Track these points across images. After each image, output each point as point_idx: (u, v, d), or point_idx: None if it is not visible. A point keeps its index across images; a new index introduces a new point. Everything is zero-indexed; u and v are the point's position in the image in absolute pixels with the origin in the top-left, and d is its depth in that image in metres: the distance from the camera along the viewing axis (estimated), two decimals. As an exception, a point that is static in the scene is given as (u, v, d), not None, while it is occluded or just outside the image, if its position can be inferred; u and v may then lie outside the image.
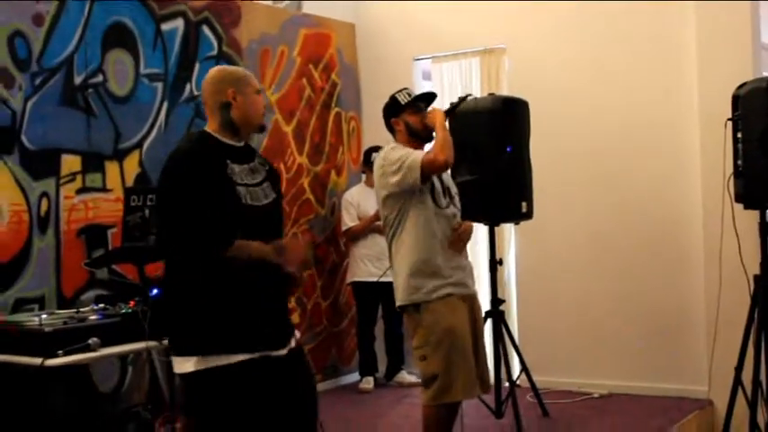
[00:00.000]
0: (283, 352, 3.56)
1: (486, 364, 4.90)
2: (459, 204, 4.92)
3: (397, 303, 4.74)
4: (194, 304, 3.43)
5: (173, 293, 3.52)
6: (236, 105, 3.59)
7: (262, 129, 3.78)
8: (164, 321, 3.74)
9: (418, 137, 4.81)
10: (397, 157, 4.62)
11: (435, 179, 4.74)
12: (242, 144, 3.70)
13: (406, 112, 4.79)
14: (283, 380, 3.54)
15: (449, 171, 4.97)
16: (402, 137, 4.82)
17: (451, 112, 4.97)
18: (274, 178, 3.78)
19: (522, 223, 6.27)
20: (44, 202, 5.45)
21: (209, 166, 3.47)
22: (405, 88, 4.93)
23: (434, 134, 4.71)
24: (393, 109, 4.84)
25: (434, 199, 4.71)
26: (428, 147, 4.82)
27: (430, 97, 4.93)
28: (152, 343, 4.75)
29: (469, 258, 7.24)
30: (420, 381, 7.18)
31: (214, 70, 3.73)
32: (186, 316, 3.46)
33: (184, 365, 3.45)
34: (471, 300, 4.85)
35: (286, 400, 3.56)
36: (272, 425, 3.53)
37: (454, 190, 4.95)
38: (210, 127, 3.64)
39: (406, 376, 7.46)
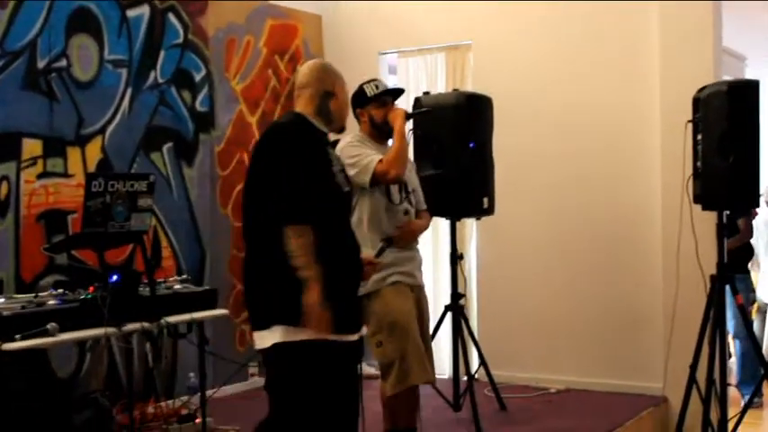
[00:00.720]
0: (355, 337, 3.81)
1: (431, 353, 4.90)
2: (416, 199, 4.93)
3: None
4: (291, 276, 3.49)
5: (270, 265, 3.57)
6: (337, 98, 3.85)
7: (343, 129, 4.00)
8: (249, 294, 3.76)
9: (381, 131, 4.80)
10: (354, 153, 4.61)
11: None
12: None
13: (372, 105, 4.78)
14: (352, 365, 3.83)
15: (412, 167, 4.99)
16: (365, 128, 4.83)
17: (411, 117, 4.98)
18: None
19: (484, 219, 6.27)
20: (4, 186, 5.41)
21: (317, 141, 3.76)
22: (374, 80, 4.91)
23: (392, 138, 4.73)
24: (359, 99, 4.82)
25: (388, 194, 4.72)
26: (390, 143, 4.82)
27: (397, 93, 4.92)
28: (111, 329, 4.71)
29: (430, 253, 7.40)
30: (375, 373, 7.28)
31: (319, 61, 4.08)
32: (282, 286, 3.52)
33: (268, 339, 3.58)
34: (418, 291, 4.87)
35: (350, 386, 3.83)
36: (339, 408, 3.73)
37: (413, 185, 4.94)
38: (304, 110, 3.81)
39: (365, 368, 7.41)
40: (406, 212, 4.82)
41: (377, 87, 4.81)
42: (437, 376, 6.61)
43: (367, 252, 4.40)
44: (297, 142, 3.61)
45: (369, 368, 7.36)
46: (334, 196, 3.73)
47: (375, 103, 4.78)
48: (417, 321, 4.75)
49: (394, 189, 4.74)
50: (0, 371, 4.45)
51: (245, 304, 3.82)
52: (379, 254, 4.51)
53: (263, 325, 3.60)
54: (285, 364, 3.58)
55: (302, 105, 3.83)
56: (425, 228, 5.05)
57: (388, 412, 4.80)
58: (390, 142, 4.82)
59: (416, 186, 4.98)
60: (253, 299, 3.71)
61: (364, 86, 4.83)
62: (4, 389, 4.50)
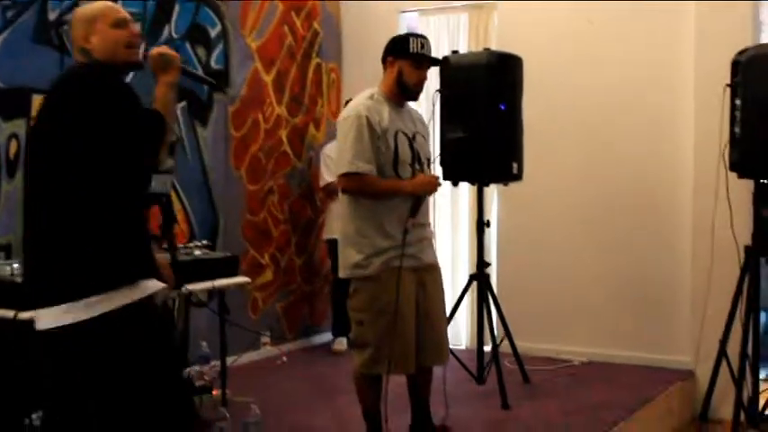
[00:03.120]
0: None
1: (441, 335, 4.58)
2: (431, 170, 4.61)
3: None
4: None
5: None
6: (94, 49, 3.22)
7: (136, 64, 3.32)
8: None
9: (405, 90, 4.43)
10: (340, 136, 4.35)
11: (404, 144, 4.36)
12: None
13: (407, 61, 4.38)
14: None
15: (426, 134, 4.62)
16: (388, 81, 4.42)
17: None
18: None
19: (507, 186, 6.01)
20: (13, 144, 5.13)
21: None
22: (422, 36, 4.51)
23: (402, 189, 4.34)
24: (397, 48, 4.42)
25: (396, 168, 4.35)
26: (412, 104, 4.55)
27: (436, 63, 4.57)
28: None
29: (449, 220, 7.15)
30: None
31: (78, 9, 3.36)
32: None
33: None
34: (424, 271, 4.49)
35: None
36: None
37: (428, 154, 4.59)
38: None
39: (337, 344, 7.23)
40: None
41: (422, 47, 4.42)
42: (455, 347, 6.47)
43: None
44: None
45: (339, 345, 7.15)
46: None
47: (411, 61, 4.39)
48: (422, 305, 4.43)
49: (403, 164, 4.36)
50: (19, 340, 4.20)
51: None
52: (414, 211, 4.29)
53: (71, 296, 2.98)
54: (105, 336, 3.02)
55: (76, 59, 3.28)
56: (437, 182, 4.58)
57: (357, 386, 4.52)
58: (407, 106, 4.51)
59: (430, 156, 4.63)
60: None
61: (410, 38, 4.44)
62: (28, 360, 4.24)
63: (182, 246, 5.27)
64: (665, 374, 6.22)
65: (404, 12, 7.51)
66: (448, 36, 7.29)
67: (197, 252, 5.27)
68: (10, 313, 4.02)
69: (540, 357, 6.56)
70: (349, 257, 4.36)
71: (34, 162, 3.13)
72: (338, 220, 4.51)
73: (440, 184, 4.52)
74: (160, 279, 3.18)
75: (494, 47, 6.77)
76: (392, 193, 4.31)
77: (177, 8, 6.19)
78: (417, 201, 4.37)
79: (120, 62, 3.20)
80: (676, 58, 6.42)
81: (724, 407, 5.82)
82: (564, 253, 6.78)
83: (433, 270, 4.57)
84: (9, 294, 4.14)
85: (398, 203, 4.33)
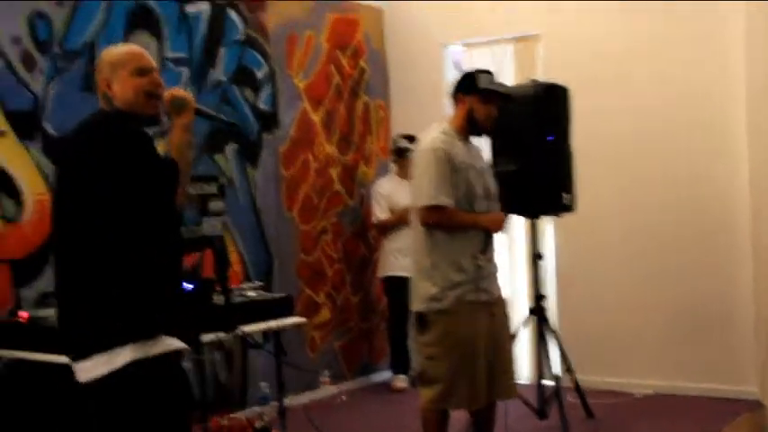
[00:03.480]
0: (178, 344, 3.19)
1: (511, 369, 4.52)
2: (496, 203, 4.53)
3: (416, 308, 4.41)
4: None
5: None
6: (115, 96, 3.13)
7: (154, 119, 3.19)
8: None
9: (474, 126, 4.41)
10: (418, 170, 4.34)
11: (476, 181, 4.34)
12: None
13: (477, 97, 4.36)
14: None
15: (490, 170, 4.59)
16: (459, 117, 4.41)
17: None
18: None
19: (561, 217, 5.92)
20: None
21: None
22: (491, 73, 4.48)
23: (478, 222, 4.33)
24: (467, 85, 4.41)
25: (471, 203, 4.32)
26: (475, 140, 4.50)
27: (505, 97, 4.53)
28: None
29: (505, 254, 7.07)
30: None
31: (103, 52, 3.20)
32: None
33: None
34: (494, 306, 4.44)
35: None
36: None
37: (494, 189, 4.53)
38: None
39: (398, 382, 7.14)
40: None
41: (491, 83, 4.41)
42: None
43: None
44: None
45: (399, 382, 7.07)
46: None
47: (481, 97, 4.36)
48: (491, 339, 4.35)
49: (479, 198, 4.34)
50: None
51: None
52: (486, 246, 4.31)
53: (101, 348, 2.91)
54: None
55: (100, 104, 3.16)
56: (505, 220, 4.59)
57: (423, 422, 4.43)
58: (475, 140, 4.47)
59: (496, 191, 4.56)
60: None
61: (479, 74, 4.42)
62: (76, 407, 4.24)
63: (236, 288, 5.24)
64: (732, 405, 6.05)
65: (447, 46, 7.48)
66: (493, 69, 7.19)
67: (251, 293, 5.23)
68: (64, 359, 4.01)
69: (600, 390, 6.41)
70: (424, 290, 4.32)
71: (61, 207, 3.05)
72: (413, 254, 4.46)
73: (507, 222, 4.52)
74: (182, 335, 3.08)
75: (539, 78, 6.72)
76: (471, 226, 4.31)
77: (223, 51, 6.21)
78: (489, 236, 4.37)
79: (139, 111, 3.07)
80: (724, 75, 6.31)
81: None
82: (621, 283, 6.66)
83: (501, 304, 4.54)
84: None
85: (471, 238, 4.32)
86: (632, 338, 6.60)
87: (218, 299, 4.66)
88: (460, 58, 7.48)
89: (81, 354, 2.92)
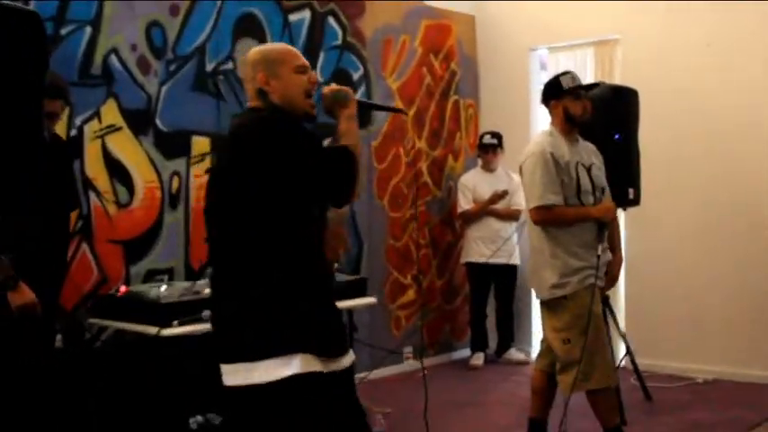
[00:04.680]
0: (346, 362, 3.06)
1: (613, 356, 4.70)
2: (604, 194, 4.67)
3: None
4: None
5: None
6: (273, 92, 3.01)
7: (309, 116, 3.04)
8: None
9: (574, 124, 4.59)
10: (529, 172, 4.49)
11: (584, 174, 4.52)
12: None
13: (568, 98, 4.56)
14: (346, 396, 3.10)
15: (600, 165, 4.73)
16: (558, 120, 4.59)
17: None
18: None
19: (634, 211, 6.06)
20: (175, 180, 5.58)
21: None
22: (569, 72, 4.69)
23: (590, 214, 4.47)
24: (554, 91, 4.61)
25: (579, 197, 4.48)
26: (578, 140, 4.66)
27: (590, 87, 4.69)
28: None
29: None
30: (525, 359, 7.21)
31: (252, 51, 3.06)
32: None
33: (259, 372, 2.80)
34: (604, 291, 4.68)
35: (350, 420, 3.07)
36: None
37: (604, 183, 4.68)
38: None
39: (514, 354, 7.38)
40: None
41: (573, 80, 4.60)
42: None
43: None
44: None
45: (518, 354, 7.33)
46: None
47: (571, 95, 4.56)
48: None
49: (585, 193, 4.50)
50: (160, 353, 4.58)
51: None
52: (602, 235, 4.47)
53: (252, 357, 2.78)
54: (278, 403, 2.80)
55: (250, 100, 3.06)
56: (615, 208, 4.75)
57: (594, 407, 4.54)
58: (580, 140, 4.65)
59: (605, 185, 4.71)
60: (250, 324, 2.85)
61: (560, 78, 4.61)
62: (164, 371, 4.61)
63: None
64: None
65: (533, 49, 7.67)
66: (576, 71, 7.30)
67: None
68: (153, 330, 4.41)
69: (663, 374, 6.57)
70: (545, 279, 4.49)
71: (214, 204, 2.93)
72: (531, 249, 4.64)
73: (616, 211, 4.67)
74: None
75: (618, 80, 6.87)
76: (581, 219, 4.46)
77: (322, 55, 6.56)
78: (603, 226, 4.52)
79: (298, 109, 2.96)
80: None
81: None
82: (687, 274, 6.75)
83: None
84: (153, 313, 4.49)
85: (585, 229, 4.47)
86: (695, 326, 6.69)
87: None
88: (545, 61, 7.66)
89: (254, 355, 2.77)
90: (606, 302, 5.79)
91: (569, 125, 4.58)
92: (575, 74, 4.68)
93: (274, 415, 2.79)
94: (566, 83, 4.58)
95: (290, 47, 3.10)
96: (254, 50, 3.06)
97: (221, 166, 2.97)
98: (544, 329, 4.64)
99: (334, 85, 3.09)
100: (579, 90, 4.59)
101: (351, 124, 3.02)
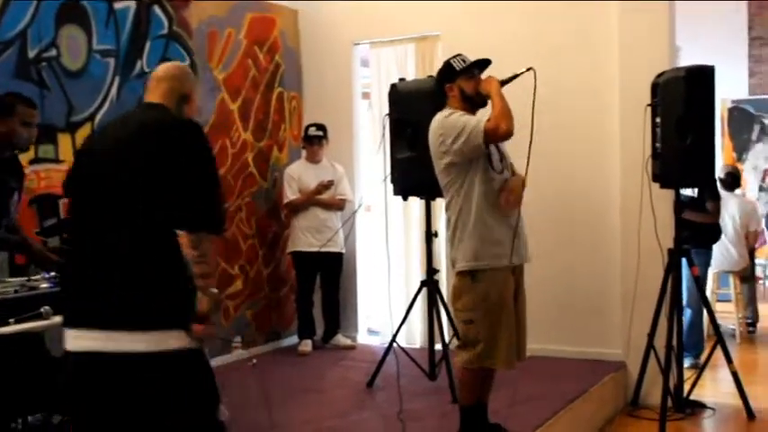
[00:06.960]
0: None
1: (524, 333, 4.53)
2: (510, 169, 4.51)
3: (457, 268, 4.34)
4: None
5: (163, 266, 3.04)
6: (191, 105, 3.31)
7: None
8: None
9: (472, 102, 4.41)
10: (458, 123, 4.23)
11: (494, 150, 4.37)
12: None
13: (461, 78, 4.39)
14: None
15: None
16: (455, 102, 4.40)
17: (507, 83, 4.44)
18: None
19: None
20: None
21: None
22: (459, 54, 4.50)
23: (490, 101, 4.30)
24: (447, 74, 4.44)
25: (491, 165, 4.33)
26: (480, 113, 4.40)
27: (484, 64, 4.51)
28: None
29: (402, 231, 7.11)
30: (351, 344, 7.03)
31: (183, 64, 3.58)
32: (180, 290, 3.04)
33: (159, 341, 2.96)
34: (519, 271, 4.46)
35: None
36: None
37: (508, 156, 4.55)
38: (164, 103, 3.25)
39: (341, 339, 7.16)
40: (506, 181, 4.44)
41: (464, 61, 4.44)
42: (409, 347, 6.44)
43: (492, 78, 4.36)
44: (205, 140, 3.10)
45: (344, 339, 7.13)
46: None
47: (464, 76, 4.40)
48: (514, 303, 4.38)
49: (496, 161, 4.35)
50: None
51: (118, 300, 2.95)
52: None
53: (152, 325, 2.93)
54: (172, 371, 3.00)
55: (158, 96, 3.18)
56: (524, 184, 4.48)
57: (460, 383, 4.46)
58: (480, 113, 4.40)
59: (509, 159, 4.56)
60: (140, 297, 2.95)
61: (451, 61, 4.45)
62: (1, 371, 4.13)
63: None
64: (600, 366, 6.18)
65: (357, 44, 7.46)
66: (396, 66, 7.22)
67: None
68: None
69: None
70: (468, 253, 4.29)
71: (111, 189, 2.98)
72: (458, 220, 4.37)
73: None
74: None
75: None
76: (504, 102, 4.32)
77: (149, 44, 6.10)
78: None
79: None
80: (603, 84, 6.40)
81: (653, 394, 5.87)
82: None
83: (522, 268, 4.53)
84: None
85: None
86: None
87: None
88: (367, 56, 7.47)
89: (137, 325, 2.90)
90: (436, 287, 5.68)
91: (467, 104, 4.42)
92: (464, 55, 4.52)
93: (186, 376, 3.02)
94: (457, 65, 4.44)
95: None
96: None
97: (137, 154, 2.97)
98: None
99: None
100: (471, 69, 4.44)
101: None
